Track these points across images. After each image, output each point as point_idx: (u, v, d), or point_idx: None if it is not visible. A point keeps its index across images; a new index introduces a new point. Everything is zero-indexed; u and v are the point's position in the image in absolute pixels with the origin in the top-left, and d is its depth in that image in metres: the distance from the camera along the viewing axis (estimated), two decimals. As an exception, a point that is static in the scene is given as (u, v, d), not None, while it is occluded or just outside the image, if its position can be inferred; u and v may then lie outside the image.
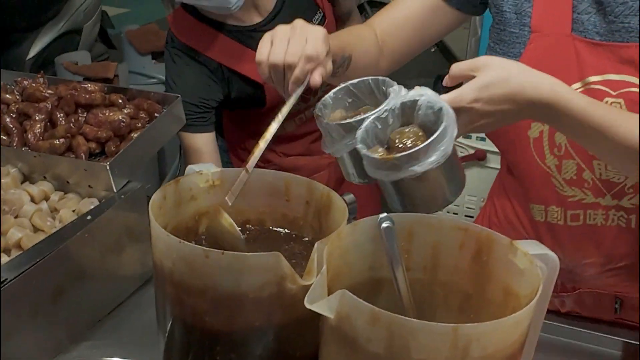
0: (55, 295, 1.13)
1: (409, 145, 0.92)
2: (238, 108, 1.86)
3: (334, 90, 1.03)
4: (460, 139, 2.69)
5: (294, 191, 1.07)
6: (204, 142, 1.73)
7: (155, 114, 1.43)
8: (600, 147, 1.01)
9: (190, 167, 1.07)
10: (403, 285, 0.93)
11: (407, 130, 0.95)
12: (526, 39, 1.14)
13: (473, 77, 0.94)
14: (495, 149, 2.44)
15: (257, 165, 1.01)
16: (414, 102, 0.94)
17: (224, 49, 1.73)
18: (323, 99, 1.04)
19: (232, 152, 1.98)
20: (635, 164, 1.01)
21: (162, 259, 0.92)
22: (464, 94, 0.92)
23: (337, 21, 1.90)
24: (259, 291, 0.87)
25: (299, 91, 1.02)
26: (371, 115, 0.95)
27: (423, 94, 0.93)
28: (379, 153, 0.94)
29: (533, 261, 0.89)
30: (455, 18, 1.26)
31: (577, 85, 1.11)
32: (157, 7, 3.26)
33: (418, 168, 0.90)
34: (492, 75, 0.93)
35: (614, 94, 1.10)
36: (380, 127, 0.94)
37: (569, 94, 0.95)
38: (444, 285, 1.00)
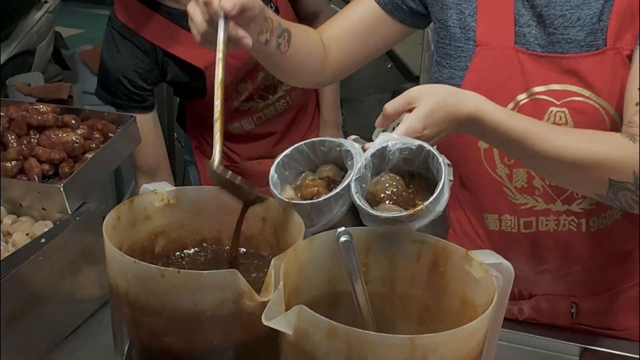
0: (10, 321, 1.11)
1: (388, 194, 0.95)
2: (181, 97, 1.85)
3: (273, 168, 1.01)
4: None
5: (251, 208, 1.07)
6: (139, 122, 1.73)
7: (110, 134, 1.41)
8: (522, 157, 1.06)
9: (144, 187, 1.06)
10: (362, 299, 0.93)
11: (382, 179, 0.97)
12: (471, 52, 1.16)
13: (410, 109, 0.98)
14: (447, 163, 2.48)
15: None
16: (382, 149, 0.95)
17: (159, 30, 1.72)
18: (272, 180, 1.01)
19: (197, 148, 1.97)
20: (556, 175, 1.06)
21: (117, 280, 0.91)
22: (414, 125, 0.96)
23: (304, 21, 1.88)
24: (217, 309, 0.87)
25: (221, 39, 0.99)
26: (353, 177, 0.95)
27: (389, 139, 0.95)
28: (391, 210, 0.93)
29: (488, 270, 0.90)
30: (398, 30, 1.28)
31: (523, 95, 1.13)
32: (112, 27, 3.24)
33: (430, 217, 0.92)
34: (430, 102, 0.97)
35: (558, 103, 1.12)
36: (363, 185, 0.96)
37: (490, 108, 1.00)
38: (402, 297, 1.01)
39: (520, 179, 1.19)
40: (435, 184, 0.93)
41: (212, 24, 1.00)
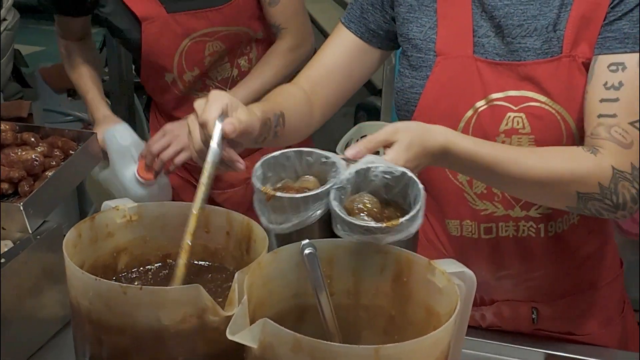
0: (-31, 344, 1.09)
1: (364, 211, 0.97)
2: (117, 38, 1.87)
3: (259, 163, 1.01)
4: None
5: (214, 222, 1.07)
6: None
7: (71, 151, 1.40)
8: (492, 182, 1.12)
9: (106, 203, 1.05)
10: (328, 311, 0.93)
11: (360, 197, 0.98)
12: (432, 62, 1.19)
13: (389, 145, 1.01)
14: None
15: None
16: (366, 170, 0.97)
17: None
18: (255, 174, 1.00)
19: None
20: (527, 194, 1.12)
21: (78, 298, 0.90)
22: (397, 157, 1.00)
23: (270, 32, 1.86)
24: (181, 325, 0.86)
25: (213, 158, 0.99)
26: (335, 185, 0.97)
27: (373, 161, 0.98)
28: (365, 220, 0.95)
29: (450, 279, 0.91)
30: (378, 56, 1.30)
31: (482, 102, 1.16)
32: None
33: (403, 235, 0.93)
34: (408, 137, 1.01)
35: (515, 108, 1.15)
36: (342, 197, 0.97)
37: (459, 140, 1.05)
38: (367, 308, 1.01)
39: (480, 185, 1.21)
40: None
41: (207, 144, 1.00)
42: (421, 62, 1.20)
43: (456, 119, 1.17)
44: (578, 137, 1.15)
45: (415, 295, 0.96)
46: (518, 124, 1.15)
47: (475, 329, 1.31)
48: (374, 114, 3.40)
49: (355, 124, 3.15)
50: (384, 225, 0.92)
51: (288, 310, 0.98)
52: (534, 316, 1.31)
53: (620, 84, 1.08)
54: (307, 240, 0.92)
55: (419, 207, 0.93)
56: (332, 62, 1.28)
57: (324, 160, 1.01)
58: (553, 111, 1.14)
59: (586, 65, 1.13)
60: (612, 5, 1.10)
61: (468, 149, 1.04)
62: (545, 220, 1.22)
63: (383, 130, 1.03)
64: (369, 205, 0.97)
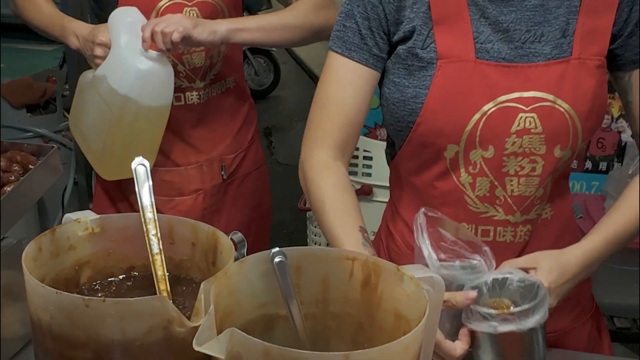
0: None
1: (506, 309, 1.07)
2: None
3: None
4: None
5: (179, 233, 1.05)
6: None
7: (30, 166, 1.37)
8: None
9: (67, 216, 1.03)
10: (298, 320, 0.93)
11: (496, 300, 1.08)
12: (433, 68, 1.19)
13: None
14: (382, 183, 2.50)
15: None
16: (504, 280, 1.09)
17: None
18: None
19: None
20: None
21: (39, 313, 0.87)
22: (540, 278, 1.11)
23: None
24: (146, 337, 0.84)
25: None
26: (479, 281, 1.09)
27: (512, 272, 1.10)
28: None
29: (419, 284, 0.91)
30: (376, 81, 1.28)
31: (490, 105, 1.17)
32: (33, 62, 3.16)
33: (528, 323, 1.05)
34: (549, 265, 1.14)
35: (526, 109, 1.18)
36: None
37: (588, 246, 1.19)
38: (336, 317, 1.00)
39: (484, 187, 1.22)
40: None
41: None
42: (424, 72, 1.19)
43: (462, 123, 1.18)
44: (582, 135, 1.20)
45: (384, 301, 0.95)
46: (530, 124, 1.18)
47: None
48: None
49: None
50: (498, 312, 1.05)
51: (256, 321, 0.96)
52: None
53: None
54: (277, 249, 0.91)
55: (535, 303, 1.05)
56: (351, 106, 1.25)
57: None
58: (562, 110, 1.17)
59: (599, 69, 1.19)
60: (623, 19, 1.19)
61: (596, 252, 1.19)
62: (536, 221, 1.27)
63: (525, 259, 1.16)
64: (503, 309, 1.08)
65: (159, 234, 1.00)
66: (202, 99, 1.76)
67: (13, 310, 1.24)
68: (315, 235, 2.83)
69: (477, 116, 1.17)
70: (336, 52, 1.26)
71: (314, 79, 7.32)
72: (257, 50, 6.45)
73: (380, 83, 1.28)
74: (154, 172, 1.46)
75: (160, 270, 0.99)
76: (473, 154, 1.20)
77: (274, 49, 6.60)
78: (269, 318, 0.98)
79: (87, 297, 0.83)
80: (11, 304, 1.23)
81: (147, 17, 1.65)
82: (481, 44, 1.18)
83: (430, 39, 1.19)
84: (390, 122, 1.25)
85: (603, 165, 2.63)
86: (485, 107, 1.17)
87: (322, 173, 1.25)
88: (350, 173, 2.81)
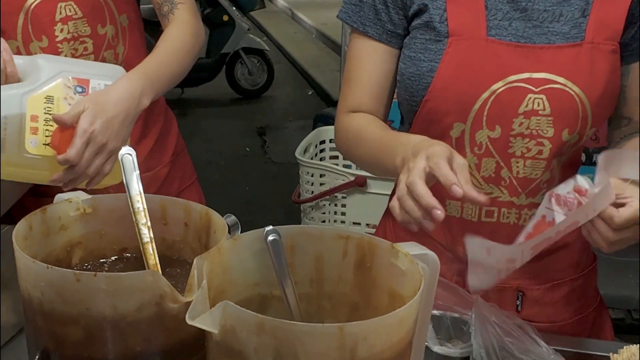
0: None
1: None
2: None
3: None
4: (341, 167, 2.75)
5: (171, 214, 1.04)
6: None
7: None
8: None
9: (59, 196, 1.01)
10: (292, 299, 0.92)
11: None
12: (444, 44, 1.19)
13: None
14: (375, 175, 2.50)
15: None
16: None
17: None
18: None
19: None
20: None
21: (30, 290, 0.86)
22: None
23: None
24: (138, 313, 0.83)
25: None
26: None
27: None
28: None
29: (414, 261, 0.90)
30: (396, 56, 1.29)
31: (499, 84, 1.17)
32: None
33: None
34: None
35: (536, 90, 1.18)
36: None
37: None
38: (330, 297, 0.99)
39: (489, 168, 1.23)
40: None
41: None
42: (441, 46, 1.19)
43: (471, 101, 1.18)
44: (591, 120, 1.20)
45: (379, 280, 0.95)
46: (538, 105, 1.18)
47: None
48: (331, 125, 3.44)
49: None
50: None
51: (249, 300, 0.95)
52: (518, 302, 1.31)
53: None
54: (270, 227, 0.90)
55: None
56: (371, 81, 1.29)
57: None
58: (572, 93, 1.17)
59: (613, 54, 1.19)
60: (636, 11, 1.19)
61: None
62: None
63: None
64: None
65: (149, 223, 0.99)
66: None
67: (4, 298, 1.22)
68: (309, 230, 2.83)
69: (485, 95, 1.17)
70: (352, 26, 1.28)
71: (307, 78, 7.33)
72: (251, 50, 6.44)
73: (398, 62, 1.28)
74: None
75: (151, 259, 0.98)
76: (479, 134, 1.20)
77: (267, 49, 6.60)
78: (263, 298, 0.97)
79: (78, 272, 0.82)
80: (2, 291, 1.22)
81: (14, 18, 1.41)
82: (499, 21, 1.19)
83: (445, 13, 1.19)
84: (405, 97, 1.25)
85: (597, 158, 2.62)
86: (495, 86, 1.17)
87: (349, 117, 1.29)
88: (345, 165, 2.83)
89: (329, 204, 2.78)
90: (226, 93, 6.60)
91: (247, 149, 5.46)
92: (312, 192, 2.84)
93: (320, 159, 3.03)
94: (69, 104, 1.26)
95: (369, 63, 1.28)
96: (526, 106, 1.18)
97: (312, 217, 2.85)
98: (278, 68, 7.01)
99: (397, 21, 1.24)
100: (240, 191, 4.46)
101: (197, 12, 1.55)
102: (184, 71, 1.47)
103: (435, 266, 0.94)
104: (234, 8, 6.33)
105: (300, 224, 2.97)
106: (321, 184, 2.81)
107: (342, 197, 2.73)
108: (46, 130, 1.24)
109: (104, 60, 1.49)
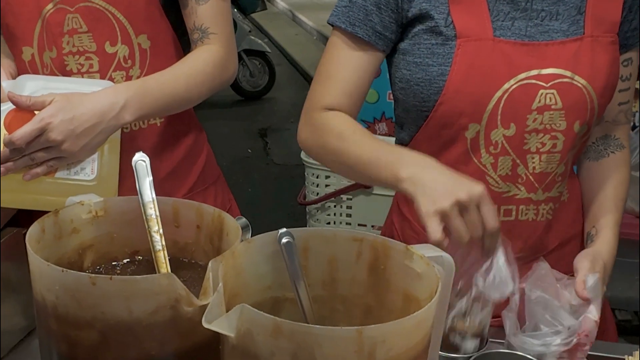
0: None
1: None
2: None
3: None
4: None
5: (183, 216, 1.03)
6: None
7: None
8: None
9: (70, 199, 1.01)
10: (306, 302, 0.91)
11: None
12: (452, 47, 1.19)
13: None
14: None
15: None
16: None
17: None
18: None
19: None
20: None
21: (44, 294, 0.85)
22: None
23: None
24: (153, 317, 0.82)
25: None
26: None
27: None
28: None
29: (430, 263, 0.89)
30: (379, 60, 1.28)
31: (511, 82, 1.19)
32: None
33: None
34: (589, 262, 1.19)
35: (546, 85, 1.19)
36: None
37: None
38: (344, 299, 0.99)
39: (505, 166, 1.23)
40: None
41: None
42: (449, 49, 1.19)
43: (484, 101, 1.18)
44: (598, 110, 1.23)
45: (393, 282, 0.94)
46: (550, 100, 1.20)
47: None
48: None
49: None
50: None
51: (262, 303, 0.95)
52: None
53: (630, 75, 1.27)
54: (284, 229, 0.90)
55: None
56: (351, 82, 1.26)
57: None
58: (580, 85, 1.20)
59: (612, 45, 1.22)
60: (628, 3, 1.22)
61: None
62: (559, 199, 1.28)
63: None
64: None
65: (161, 230, 0.98)
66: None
67: (13, 302, 1.22)
68: (314, 232, 2.82)
69: (498, 94, 1.18)
70: (339, 27, 1.25)
71: (308, 80, 7.32)
72: (252, 52, 6.44)
73: (393, 70, 1.28)
74: None
75: (163, 267, 0.98)
76: (494, 133, 1.21)
77: (268, 51, 6.60)
78: (276, 301, 0.96)
79: (93, 275, 0.81)
80: (10, 295, 1.21)
81: (32, 25, 1.37)
82: (502, 21, 1.20)
83: (450, 17, 1.20)
84: (414, 103, 1.24)
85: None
86: (507, 85, 1.18)
87: (326, 115, 1.25)
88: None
89: (335, 206, 2.77)
90: (228, 95, 6.60)
91: (249, 150, 5.46)
92: (318, 193, 2.83)
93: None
94: None
95: (353, 61, 1.25)
96: (539, 102, 1.19)
97: (318, 219, 2.84)
98: (279, 70, 7.02)
99: (387, 24, 1.23)
100: (242, 193, 4.46)
101: (231, 45, 1.45)
102: (193, 98, 1.40)
103: (450, 268, 0.93)
104: (235, 10, 6.33)
105: (304, 225, 2.97)
106: (326, 186, 2.81)
107: (348, 199, 2.72)
108: None
109: (112, 81, 1.39)
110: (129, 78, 1.40)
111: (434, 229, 1.01)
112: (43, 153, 1.22)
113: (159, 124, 1.46)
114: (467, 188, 1.03)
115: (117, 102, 1.25)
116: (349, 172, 1.27)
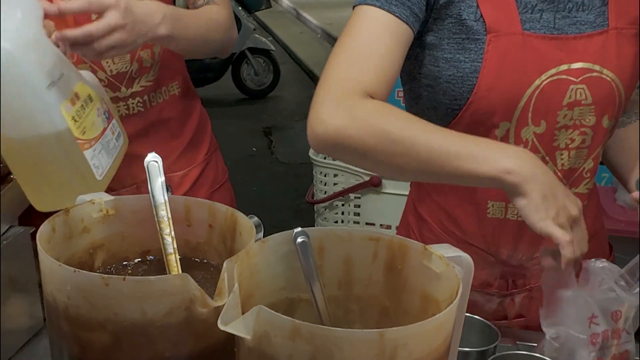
0: None
1: None
2: None
3: None
4: (355, 167, 2.73)
5: (196, 215, 1.01)
6: None
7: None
8: None
9: (80, 197, 0.99)
10: (322, 303, 0.89)
11: None
12: (483, 42, 1.16)
13: None
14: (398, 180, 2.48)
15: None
16: None
17: None
18: None
19: None
20: None
21: (55, 295, 0.83)
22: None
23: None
24: (167, 318, 0.80)
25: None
26: None
27: None
28: None
29: (449, 263, 0.87)
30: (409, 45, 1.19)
31: (542, 78, 1.16)
32: None
33: None
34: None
35: (577, 80, 1.18)
36: None
37: None
38: (359, 300, 0.97)
39: None
40: None
41: None
42: (480, 44, 1.16)
43: (516, 98, 1.16)
44: (625, 103, 1.22)
45: (411, 282, 0.92)
46: (581, 95, 1.18)
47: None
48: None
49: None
50: None
51: (277, 304, 0.93)
52: None
53: None
54: (299, 228, 0.88)
55: None
56: (386, 58, 1.13)
57: None
58: (608, 79, 1.19)
59: (635, 37, 1.20)
60: None
61: None
62: (590, 197, 1.26)
63: None
64: None
65: (172, 233, 0.96)
66: (132, 110, 1.51)
67: (20, 303, 1.20)
68: (321, 231, 2.81)
69: (530, 90, 1.16)
70: (374, 5, 1.13)
71: (313, 78, 7.31)
72: (257, 50, 6.43)
73: (413, 65, 1.23)
74: None
75: (174, 271, 0.96)
76: (525, 131, 1.19)
77: (273, 49, 6.58)
78: (290, 301, 0.94)
79: (106, 276, 0.79)
80: (18, 295, 1.20)
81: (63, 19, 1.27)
82: (530, 14, 1.17)
83: (479, 11, 1.16)
84: (443, 101, 1.20)
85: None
86: (537, 81, 1.16)
87: (373, 101, 1.10)
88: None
89: (343, 204, 2.75)
90: (232, 93, 6.60)
91: (254, 149, 5.45)
92: (326, 192, 2.81)
93: (333, 159, 3.00)
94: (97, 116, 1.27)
95: (389, 39, 1.12)
96: (569, 97, 1.18)
97: (326, 218, 2.82)
98: (284, 68, 7.01)
99: (422, 6, 1.15)
100: (247, 191, 4.45)
101: (232, 14, 1.55)
102: (209, 42, 1.47)
103: (470, 268, 0.91)
104: (240, 8, 6.32)
105: (309, 224, 2.95)
106: (335, 184, 2.78)
107: (356, 198, 2.70)
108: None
109: (140, 59, 1.48)
110: (152, 55, 1.51)
111: (561, 231, 1.02)
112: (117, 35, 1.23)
113: (177, 93, 1.58)
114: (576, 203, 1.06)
115: (157, 14, 1.31)
116: (416, 166, 1.08)
